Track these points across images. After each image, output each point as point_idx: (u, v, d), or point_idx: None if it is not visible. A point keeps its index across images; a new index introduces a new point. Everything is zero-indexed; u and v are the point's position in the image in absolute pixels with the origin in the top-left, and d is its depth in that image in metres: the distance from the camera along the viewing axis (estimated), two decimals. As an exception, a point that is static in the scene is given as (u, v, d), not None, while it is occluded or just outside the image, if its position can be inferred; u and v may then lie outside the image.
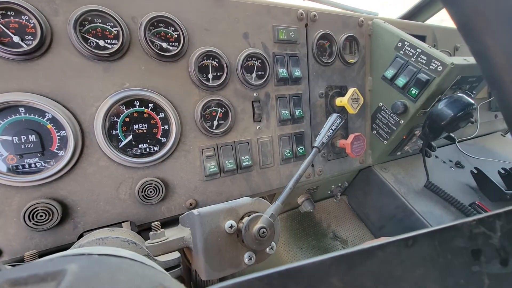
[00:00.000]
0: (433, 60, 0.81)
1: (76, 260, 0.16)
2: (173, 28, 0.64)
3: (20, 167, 0.53)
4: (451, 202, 1.02)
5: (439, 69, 0.80)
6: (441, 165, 1.23)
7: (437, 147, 1.10)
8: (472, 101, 0.82)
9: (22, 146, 0.52)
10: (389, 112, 0.95)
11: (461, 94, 0.83)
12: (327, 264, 0.22)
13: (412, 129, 0.98)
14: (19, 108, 0.52)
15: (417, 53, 0.85)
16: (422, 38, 1.10)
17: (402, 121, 0.92)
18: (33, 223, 0.52)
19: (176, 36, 0.65)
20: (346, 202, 1.25)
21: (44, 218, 0.52)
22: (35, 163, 0.54)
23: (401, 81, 0.88)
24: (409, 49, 0.87)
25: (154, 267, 0.22)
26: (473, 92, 0.96)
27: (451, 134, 0.99)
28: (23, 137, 0.52)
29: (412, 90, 0.86)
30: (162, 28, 0.63)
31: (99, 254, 0.18)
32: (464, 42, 0.31)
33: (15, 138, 0.52)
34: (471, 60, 0.81)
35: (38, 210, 0.52)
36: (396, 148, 1.05)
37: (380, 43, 0.95)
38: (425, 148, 1.04)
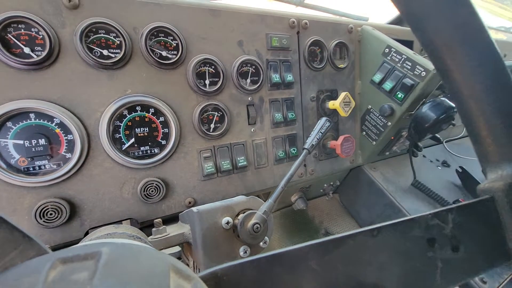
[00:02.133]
0: (417, 66, 0.86)
1: (105, 245, 0.20)
2: (172, 38, 0.68)
3: (31, 169, 0.57)
4: (436, 199, 1.08)
5: (423, 75, 0.85)
6: (428, 164, 1.29)
7: (425, 147, 1.16)
8: (453, 105, 0.87)
9: (33, 149, 0.56)
10: (378, 115, 1.00)
11: (443, 98, 0.89)
12: (306, 251, 0.27)
13: (399, 131, 1.04)
14: (30, 114, 0.56)
15: (402, 59, 0.90)
16: (410, 43, 1.15)
17: (390, 123, 0.97)
18: (43, 221, 0.56)
19: (175, 45, 0.69)
20: (338, 200, 1.30)
21: (54, 216, 0.57)
22: (44, 165, 0.58)
23: (388, 85, 0.94)
24: (395, 55, 0.92)
25: (164, 253, 0.27)
26: (456, 95, 1.01)
27: (436, 135, 1.04)
28: (34, 141, 0.56)
29: (398, 94, 0.91)
30: (161, 38, 0.68)
31: (121, 243, 0.23)
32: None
33: (26, 142, 0.56)
34: (452, 66, 0.87)
35: (48, 208, 0.56)
36: (384, 148, 1.10)
37: (368, 49, 1.00)
38: (412, 148, 1.10)
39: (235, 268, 0.25)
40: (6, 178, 0.54)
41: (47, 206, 0.56)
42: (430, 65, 0.84)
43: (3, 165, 0.54)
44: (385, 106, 0.95)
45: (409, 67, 0.88)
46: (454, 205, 0.31)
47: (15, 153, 0.55)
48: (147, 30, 0.64)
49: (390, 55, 0.93)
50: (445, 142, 1.44)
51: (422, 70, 0.85)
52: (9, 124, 0.54)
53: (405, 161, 1.22)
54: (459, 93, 0.36)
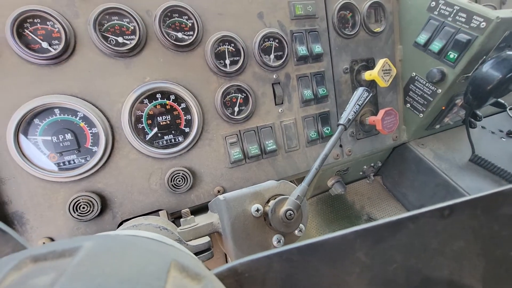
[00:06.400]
0: (475, 17, 0.71)
1: (93, 238, 0.16)
2: (186, 17, 0.64)
3: (62, 164, 0.57)
4: (502, 175, 0.91)
5: (482, 26, 0.70)
6: (489, 136, 1.11)
7: (484, 117, 0.99)
8: (525, 59, 0.71)
9: (61, 144, 0.57)
10: (424, 82, 0.87)
11: (510, 53, 0.73)
12: (351, 238, 0.21)
13: (452, 98, 0.89)
14: (55, 110, 0.56)
15: (454, 11, 0.75)
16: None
17: (440, 90, 0.83)
18: (77, 215, 0.56)
19: (190, 24, 0.65)
20: (381, 182, 1.19)
21: (86, 209, 0.57)
22: (73, 160, 0.58)
23: (436, 45, 0.80)
24: (444, 7, 0.77)
25: (172, 245, 0.23)
26: (526, 49, 0.83)
27: (500, 100, 0.87)
28: (61, 136, 0.57)
29: (450, 54, 0.77)
30: (176, 18, 0.64)
31: (113, 235, 0.19)
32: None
33: (54, 138, 0.56)
34: (521, 11, 0.70)
35: (80, 202, 0.56)
36: (434, 121, 0.96)
37: (409, 6, 0.86)
38: (468, 118, 0.94)
39: (259, 262, 0.20)
40: (40, 174, 0.55)
41: (79, 200, 0.56)
42: (492, 13, 0.69)
43: (36, 162, 0.55)
44: (434, 70, 0.81)
45: (463, 20, 0.74)
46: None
47: (44, 149, 0.56)
48: (160, 11, 0.61)
49: (437, 9, 0.79)
50: (509, 109, 1.22)
51: (482, 20, 0.70)
52: (36, 121, 0.55)
53: (459, 134, 1.06)
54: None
